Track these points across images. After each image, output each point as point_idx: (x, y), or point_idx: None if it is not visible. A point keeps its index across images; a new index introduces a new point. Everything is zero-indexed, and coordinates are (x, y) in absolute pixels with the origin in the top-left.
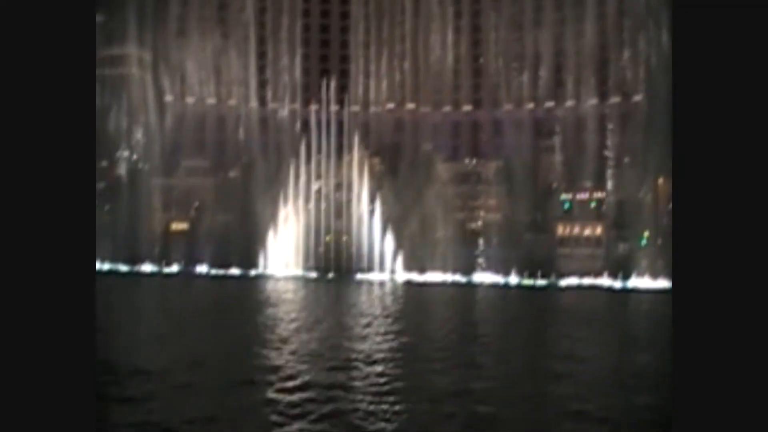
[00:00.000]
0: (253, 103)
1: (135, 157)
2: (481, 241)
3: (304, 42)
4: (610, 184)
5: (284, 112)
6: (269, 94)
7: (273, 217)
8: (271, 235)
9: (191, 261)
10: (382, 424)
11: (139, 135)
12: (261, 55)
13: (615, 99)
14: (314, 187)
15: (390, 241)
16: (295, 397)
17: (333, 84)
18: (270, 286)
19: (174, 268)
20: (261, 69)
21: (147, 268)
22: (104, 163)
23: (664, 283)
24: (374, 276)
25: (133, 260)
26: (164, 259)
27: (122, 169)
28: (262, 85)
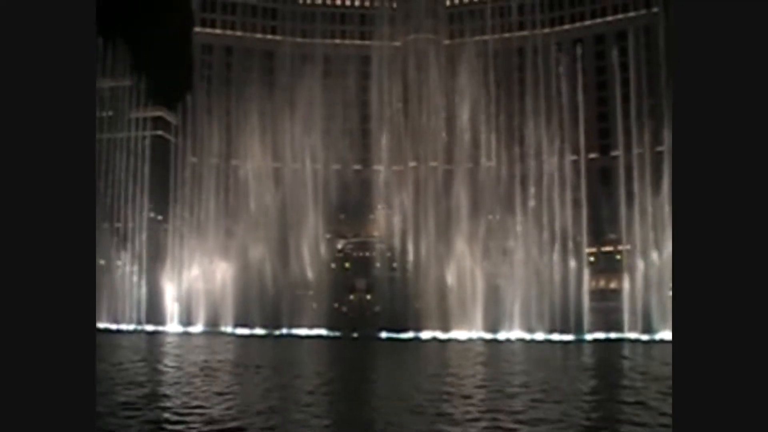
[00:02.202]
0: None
1: (159, 217)
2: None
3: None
4: (635, 236)
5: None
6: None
7: (296, 276)
8: (294, 294)
9: (215, 320)
10: None
11: (163, 195)
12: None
13: (638, 150)
14: (338, 245)
15: (413, 298)
16: None
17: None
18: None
19: (198, 327)
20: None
21: (171, 327)
22: (130, 224)
23: None
24: (398, 334)
25: (157, 319)
26: (188, 318)
27: (146, 229)
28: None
